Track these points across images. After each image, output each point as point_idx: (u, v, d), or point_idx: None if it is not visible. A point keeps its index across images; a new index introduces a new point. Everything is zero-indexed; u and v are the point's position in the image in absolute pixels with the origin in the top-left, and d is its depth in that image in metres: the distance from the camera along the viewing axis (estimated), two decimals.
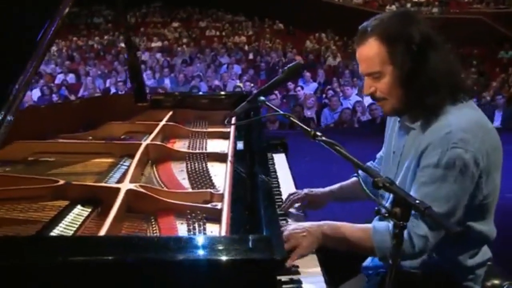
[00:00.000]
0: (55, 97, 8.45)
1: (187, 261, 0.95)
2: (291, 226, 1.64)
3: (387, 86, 1.56)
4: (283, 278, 1.43)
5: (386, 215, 1.20)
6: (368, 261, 1.87)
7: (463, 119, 1.51)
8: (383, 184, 1.22)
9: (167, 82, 10.47)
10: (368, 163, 2.10)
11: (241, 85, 9.63)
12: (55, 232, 1.37)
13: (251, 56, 13.19)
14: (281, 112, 1.75)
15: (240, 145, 1.97)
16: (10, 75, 1.36)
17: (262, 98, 1.88)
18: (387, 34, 1.52)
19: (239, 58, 12.61)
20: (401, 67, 1.52)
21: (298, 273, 1.48)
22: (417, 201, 1.16)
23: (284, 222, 1.81)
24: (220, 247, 0.97)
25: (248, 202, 1.44)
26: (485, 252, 1.71)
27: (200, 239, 1.06)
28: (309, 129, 1.56)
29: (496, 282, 1.80)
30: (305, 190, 2.03)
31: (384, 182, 1.23)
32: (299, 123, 1.64)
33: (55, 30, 1.47)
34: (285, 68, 1.90)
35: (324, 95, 9.35)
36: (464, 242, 1.62)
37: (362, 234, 1.61)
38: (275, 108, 1.81)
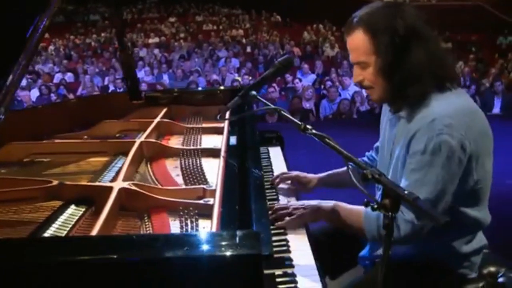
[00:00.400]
0: (53, 97, 8.44)
1: (173, 258, 0.96)
2: (293, 202, 1.81)
3: (372, 75, 1.60)
4: (277, 271, 1.45)
5: (375, 206, 1.21)
6: (364, 251, 1.89)
7: (448, 106, 1.54)
8: (372, 176, 1.24)
9: (165, 78, 10.46)
10: (367, 153, 2.13)
11: (239, 78, 9.63)
12: (48, 232, 1.38)
13: (249, 49, 13.15)
14: (272, 106, 1.76)
15: (233, 140, 1.97)
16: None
17: (253, 92, 1.88)
18: (372, 25, 1.55)
19: (237, 52, 12.58)
20: (383, 58, 1.55)
21: (292, 266, 1.48)
22: (406, 192, 1.17)
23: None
24: (207, 243, 0.98)
25: (239, 197, 1.44)
26: (481, 239, 1.73)
27: (186, 236, 1.07)
28: (299, 122, 1.58)
29: (493, 269, 1.81)
30: (296, 172, 2.15)
31: (373, 173, 1.24)
32: (290, 117, 1.64)
33: (45, 26, 1.47)
34: (276, 61, 1.90)
35: (322, 86, 9.35)
36: (458, 228, 1.64)
37: (355, 217, 1.69)
38: (266, 102, 1.81)
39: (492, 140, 1.64)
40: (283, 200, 1.97)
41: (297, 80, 9.53)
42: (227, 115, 2.22)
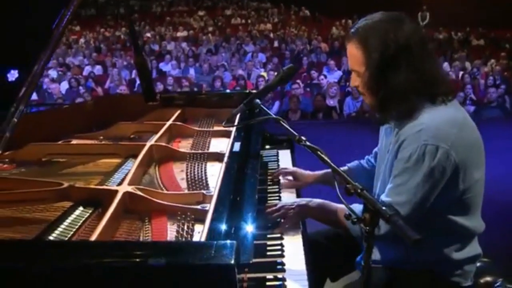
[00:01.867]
0: (82, 90, 8.66)
1: (148, 266, 1.04)
2: (284, 201, 1.96)
3: (362, 85, 1.68)
4: (268, 275, 1.53)
5: (355, 220, 1.27)
6: (361, 256, 1.95)
7: (436, 117, 1.59)
8: (354, 191, 1.30)
9: (191, 72, 10.60)
10: (367, 157, 2.19)
11: (264, 74, 9.67)
12: (55, 233, 1.49)
13: (276, 44, 13.18)
14: (273, 116, 1.82)
15: (237, 146, 2.05)
16: (25, 64, 1.46)
17: (257, 101, 1.96)
18: (365, 39, 1.61)
19: (264, 46, 12.62)
20: (370, 73, 1.62)
21: (283, 270, 1.56)
22: (384, 208, 1.23)
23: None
24: (184, 252, 1.06)
25: (230, 205, 1.53)
26: (473, 248, 1.77)
27: (165, 244, 1.16)
28: (295, 134, 1.65)
29: (489, 279, 1.84)
30: (295, 168, 2.35)
31: (356, 188, 1.31)
32: (288, 128, 1.72)
33: (69, 18, 1.56)
34: (281, 70, 1.97)
35: (348, 83, 9.31)
36: (447, 235, 1.69)
37: (340, 215, 1.77)
38: (268, 111, 1.89)
39: (482, 151, 1.68)
40: (284, 195, 2.15)
41: (322, 77, 9.53)
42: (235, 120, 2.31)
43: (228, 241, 1.07)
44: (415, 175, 1.57)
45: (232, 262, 1.01)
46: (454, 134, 1.56)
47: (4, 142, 1.41)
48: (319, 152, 1.52)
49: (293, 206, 1.86)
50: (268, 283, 1.49)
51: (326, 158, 1.49)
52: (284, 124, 1.74)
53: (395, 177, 1.63)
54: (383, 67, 1.58)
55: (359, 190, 1.29)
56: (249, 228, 1.50)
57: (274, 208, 1.87)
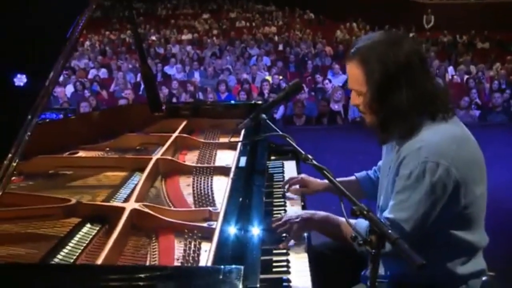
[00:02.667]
0: (87, 93, 8.69)
1: None
2: (289, 214, 1.92)
3: (363, 104, 1.69)
4: None
5: (361, 242, 1.28)
6: (367, 270, 1.95)
7: (436, 134, 1.61)
8: (360, 212, 1.31)
9: (196, 75, 10.62)
10: (375, 167, 2.19)
11: (269, 78, 9.68)
12: (66, 249, 1.51)
13: (280, 47, 13.19)
14: (280, 133, 1.83)
15: (243, 161, 2.06)
16: (41, 73, 1.48)
17: (263, 116, 1.98)
18: (366, 59, 1.63)
19: (269, 50, 12.63)
20: (373, 92, 1.63)
21: (289, 281, 1.57)
22: (390, 231, 1.24)
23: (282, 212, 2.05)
24: (190, 279, 1.07)
25: (237, 225, 1.54)
26: (478, 263, 1.77)
27: (171, 269, 1.17)
28: (301, 152, 1.66)
29: None
30: (302, 175, 2.32)
31: (362, 210, 1.32)
32: (294, 145, 1.74)
33: (83, 26, 1.58)
34: (286, 86, 1.99)
35: None
36: (450, 250, 1.70)
37: (345, 228, 1.77)
38: (274, 127, 1.90)
39: (483, 167, 1.70)
40: (289, 206, 2.16)
41: (327, 81, 9.53)
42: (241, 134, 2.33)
43: (235, 266, 1.08)
44: (416, 192, 1.58)
45: None
46: (454, 150, 1.58)
47: (21, 149, 1.40)
48: (325, 172, 1.53)
49: (298, 220, 1.85)
50: None
51: (332, 178, 1.50)
52: (291, 141, 1.75)
53: (397, 194, 1.64)
54: (384, 87, 1.60)
55: (365, 212, 1.30)
56: (256, 249, 1.51)
57: (279, 222, 1.86)
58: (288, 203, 2.20)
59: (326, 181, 2.24)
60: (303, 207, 2.18)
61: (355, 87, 1.69)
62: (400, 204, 1.62)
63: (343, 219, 1.79)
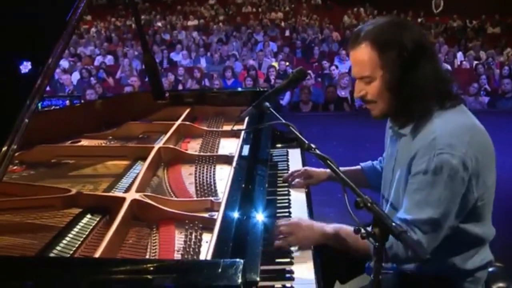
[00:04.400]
0: (93, 80, 8.68)
1: (154, 285, 1.04)
2: (302, 219, 1.81)
3: (377, 90, 1.62)
4: (277, 284, 1.51)
5: (364, 235, 1.25)
6: (371, 262, 1.93)
7: (448, 124, 1.56)
8: (364, 204, 1.28)
9: (202, 61, 10.58)
10: (380, 158, 2.15)
11: (275, 64, 9.62)
12: (65, 240, 1.48)
13: (287, 33, 13.08)
14: (283, 121, 1.79)
15: (246, 150, 2.03)
16: (38, 56, 1.44)
17: (267, 104, 1.94)
18: (379, 40, 1.57)
19: (275, 35, 12.53)
20: (391, 73, 1.57)
21: (292, 279, 1.54)
22: (394, 224, 1.21)
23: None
24: (189, 272, 1.05)
25: (238, 216, 1.51)
26: (485, 255, 1.74)
27: (169, 263, 1.15)
28: (305, 141, 1.63)
29: (502, 285, 1.81)
30: (306, 167, 2.27)
31: (366, 202, 1.28)
32: (298, 134, 1.70)
33: (83, 9, 1.54)
34: (290, 73, 1.95)
35: None
36: (459, 244, 1.66)
37: (361, 241, 1.59)
38: (278, 116, 1.86)
39: (493, 155, 1.65)
40: (294, 194, 2.12)
41: (333, 67, 9.45)
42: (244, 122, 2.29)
43: (235, 260, 1.05)
44: (435, 187, 1.51)
45: (239, 282, 1.00)
46: (467, 141, 1.53)
47: (21, 134, 1.37)
48: (328, 162, 1.50)
49: (305, 230, 1.72)
50: None
51: (335, 168, 1.46)
52: (294, 130, 1.72)
53: (414, 193, 1.56)
54: (404, 66, 1.55)
55: (369, 204, 1.27)
56: (257, 242, 1.48)
57: (285, 228, 1.73)
58: (292, 191, 2.17)
59: (329, 169, 2.23)
60: (307, 195, 2.14)
61: (366, 73, 1.61)
62: (419, 203, 1.54)
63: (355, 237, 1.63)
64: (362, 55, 1.60)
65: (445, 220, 1.54)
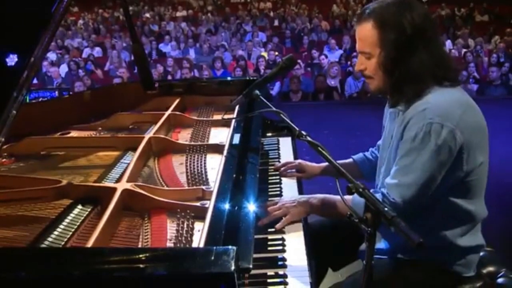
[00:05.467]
0: (81, 73, 8.60)
1: (146, 274, 1.03)
2: (285, 198, 1.88)
3: (374, 67, 1.67)
4: (269, 271, 1.52)
5: (356, 220, 1.26)
6: (364, 246, 1.94)
7: (442, 97, 1.60)
8: (355, 190, 1.28)
9: (191, 52, 10.52)
10: (371, 149, 2.16)
11: (265, 54, 9.59)
12: (56, 231, 1.47)
13: (276, 23, 13.04)
14: (274, 109, 1.80)
15: (236, 139, 2.03)
16: (24, 48, 1.43)
17: (256, 92, 1.94)
18: (381, 19, 1.62)
19: (264, 25, 12.49)
20: (387, 53, 1.62)
21: (284, 266, 1.55)
22: (386, 209, 1.21)
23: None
24: (182, 260, 1.05)
25: (230, 204, 1.51)
26: (476, 237, 1.76)
27: (164, 252, 1.15)
28: (295, 128, 1.63)
29: (492, 269, 1.83)
30: (299, 160, 2.26)
31: (357, 187, 1.28)
32: (289, 121, 1.71)
33: (68, 2, 1.53)
34: (280, 60, 1.94)
35: (349, 63, 9.23)
36: (450, 218, 1.69)
37: (343, 209, 1.76)
38: (268, 103, 1.86)
39: (487, 135, 1.68)
40: (285, 182, 2.13)
41: (323, 57, 9.44)
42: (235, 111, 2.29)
43: (227, 247, 1.05)
44: (422, 154, 1.56)
45: (232, 269, 1.00)
46: (459, 114, 1.56)
47: (8, 126, 1.36)
48: (319, 148, 1.50)
49: (294, 204, 1.82)
50: (269, 280, 1.48)
51: (327, 155, 1.47)
52: (285, 118, 1.72)
53: (401, 158, 1.62)
54: (400, 48, 1.59)
55: (360, 190, 1.27)
56: (249, 230, 1.48)
57: (275, 207, 1.83)
58: (283, 179, 2.18)
59: (322, 164, 2.23)
60: (298, 182, 2.15)
61: (366, 49, 1.66)
62: (404, 168, 1.60)
63: (338, 198, 1.77)
64: (365, 31, 1.66)
65: (426, 187, 1.58)
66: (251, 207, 1.64)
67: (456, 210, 1.67)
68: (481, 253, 1.80)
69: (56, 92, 6.10)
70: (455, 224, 1.70)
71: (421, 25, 1.60)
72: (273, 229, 1.74)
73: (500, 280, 1.80)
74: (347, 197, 1.68)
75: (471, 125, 1.59)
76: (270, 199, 1.98)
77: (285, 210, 1.80)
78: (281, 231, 1.75)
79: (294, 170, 2.23)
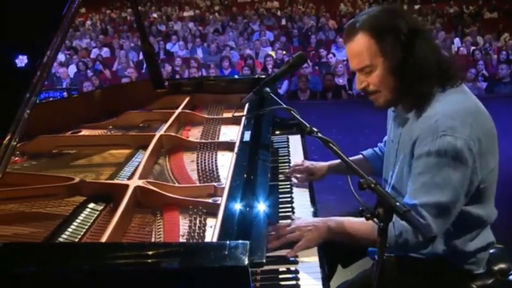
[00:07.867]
0: (90, 73, 8.64)
1: (160, 269, 1.04)
2: (300, 220, 1.71)
3: (379, 78, 1.61)
4: (281, 267, 1.52)
5: (368, 215, 1.26)
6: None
7: (450, 106, 1.56)
8: (367, 185, 1.28)
9: (199, 52, 10.53)
10: (380, 144, 2.16)
11: (272, 53, 9.59)
12: (70, 228, 1.49)
13: (283, 22, 13.03)
14: (284, 106, 1.80)
15: (247, 136, 2.03)
16: (35, 50, 1.45)
17: (267, 89, 1.94)
18: (374, 27, 1.57)
19: (271, 25, 12.49)
20: (391, 57, 1.57)
21: (296, 263, 1.55)
22: (398, 204, 1.21)
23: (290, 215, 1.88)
24: (196, 254, 1.06)
25: (242, 200, 1.52)
26: (487, 236, 1.75)
27: (176, 245, 1.16)
28: (306, 125, 1.63)
29: (504, 266, 1.82)
30: (307, 163, 2.20)
31: (369, 183, 1.28)
32: (299, 118, 1.70)
33: (79, 2, 1.53)
34: (289, 58, 1.94)
35: None
36: (461, 226, 1.66)
37: (366, 229, 1.61)
38: (278, 101, 1.86)
39: (495, 138, 1.65)
40: (296, 191, 2.07)
41: (330, 55, 9.42)
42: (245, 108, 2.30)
43: (241, 242, 1.06)
44: (441, 170, 1.50)
45: (246, 263, 1.01)
46: (470, 123, 1.52)
47: (21, 128, 1.38)
48: (330, 144, 1.49)
49: (310, 228, 1.65)
50: (281, 276, 1.49)
51: (338, 151, 1.46)
52: (295, 114, 1.72)
53: (419, 175, 1.54)
54: (402, 48, 1.55)
55: (372, 185, 1.27)
56: (262, 225, 1.49)
57: (288, 228, 1.67)
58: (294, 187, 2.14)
59: (329, 162, 2.19)
60: (310, 187, 2.13)
61: (366, 62, 1.60)
62: (424, 186, 1.52)
63: (361, 221, 1.53)
64: (360, 45, 1.60)
65: (453, 204, 1.53)
66: (263, 203, 1.64)
67: (468, 216, 1.63)
68: (491, 250, 1.79)
69: (65, 93, 6.14)
70: (467, 230, 1.68)
71: (415, 26, 1.58)
72: (284, 253, 1.60)
73: None
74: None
75: (481, 131, 1.55)
76: (280, 196, 1.98)
77: (299, 234, 1.63)
78: None
79: (304, 175, 2.17)
